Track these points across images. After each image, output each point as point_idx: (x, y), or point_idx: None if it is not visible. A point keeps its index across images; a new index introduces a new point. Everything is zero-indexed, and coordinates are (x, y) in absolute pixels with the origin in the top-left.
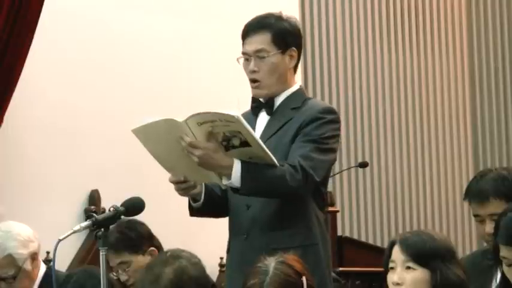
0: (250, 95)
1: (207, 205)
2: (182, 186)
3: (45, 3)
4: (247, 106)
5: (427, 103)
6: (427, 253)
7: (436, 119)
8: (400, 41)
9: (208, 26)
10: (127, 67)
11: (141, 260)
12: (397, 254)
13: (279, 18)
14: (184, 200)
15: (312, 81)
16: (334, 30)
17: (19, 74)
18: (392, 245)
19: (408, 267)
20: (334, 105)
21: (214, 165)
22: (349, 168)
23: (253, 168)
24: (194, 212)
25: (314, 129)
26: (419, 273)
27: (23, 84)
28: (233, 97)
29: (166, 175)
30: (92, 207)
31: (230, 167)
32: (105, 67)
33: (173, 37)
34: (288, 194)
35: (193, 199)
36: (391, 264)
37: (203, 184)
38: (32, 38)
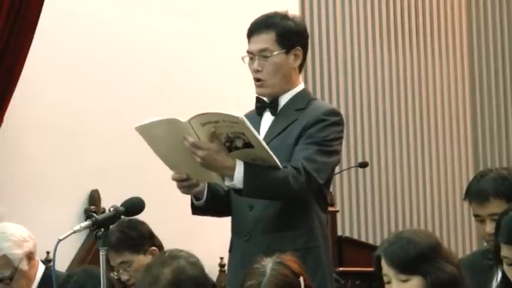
0: (250, 95)
1: (209, 204)
2: (184, 184)
3: (45, 3)
4: (246, 106)
5: (427, 103)
6: (414, 261)
7: (436, 119)
8: (400, 41)
9: (208, 26)
10: (127, 67)
11: (142, 260)
12: (386, 268)
13: (284, 17)
14: (184, 200)
15: (312, 81)
16: (334, 30)
17: (19, 74)
18: (378, 258)
19: (403, 280)
20: (334, 105)
21: (217, 166)
22: (349, 168)
23: (256, 170)
24: (196, 210)
25: (318, 131)
26: (415, 282)
27: (23, 84)
28: (233, 97)
29: (166, 175)
30: (92, 207)
31: (233, 168)
32: (105, 67)
33: (173, 37)
34: (291, 197)
35: (196, 197)
36: (385, 278)
37: (206, 182)
38: (32, 38)
